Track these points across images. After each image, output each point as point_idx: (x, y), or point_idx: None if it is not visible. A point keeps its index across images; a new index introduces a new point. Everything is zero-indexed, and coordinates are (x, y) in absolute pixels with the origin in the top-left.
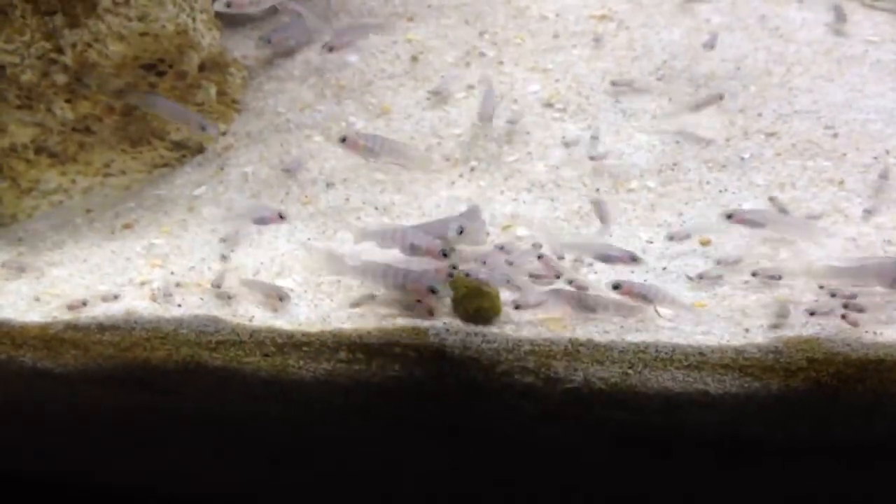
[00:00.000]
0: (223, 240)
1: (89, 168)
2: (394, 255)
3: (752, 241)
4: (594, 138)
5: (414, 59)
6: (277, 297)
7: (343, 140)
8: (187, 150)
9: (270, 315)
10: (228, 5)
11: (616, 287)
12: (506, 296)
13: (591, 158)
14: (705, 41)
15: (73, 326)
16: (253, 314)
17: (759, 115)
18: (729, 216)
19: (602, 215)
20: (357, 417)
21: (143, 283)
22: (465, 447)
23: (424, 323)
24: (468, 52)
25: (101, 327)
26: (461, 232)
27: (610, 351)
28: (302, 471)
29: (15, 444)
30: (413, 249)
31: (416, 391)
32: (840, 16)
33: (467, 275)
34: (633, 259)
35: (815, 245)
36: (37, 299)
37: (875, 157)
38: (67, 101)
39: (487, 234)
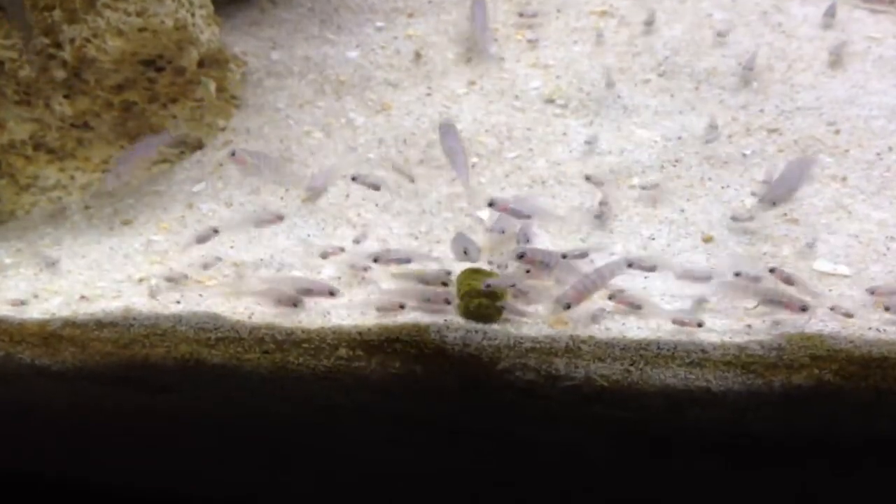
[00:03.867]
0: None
1: (88, 164)
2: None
3: (754, 239)
4: (588, 142)
5: (415, 54)
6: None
7: (232, 154)
8: (186, 147)
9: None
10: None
11: (520, 256)
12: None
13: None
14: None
15: (71, 323)
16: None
17: (761, 111)
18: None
19: None
20: (357, 415)
21: (141, 280)
22: (465, 445)
23: (425, 319)
24: (469, 49)
25: (100, 324)
26: (466, 252)
27: (611, 348)
28: (302, 469)
29: (13, 442)
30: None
31: (417, 388)
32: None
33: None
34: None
35: (818, 242)
36: (35, 296)
37: (878, 154)
38: (66, 96)
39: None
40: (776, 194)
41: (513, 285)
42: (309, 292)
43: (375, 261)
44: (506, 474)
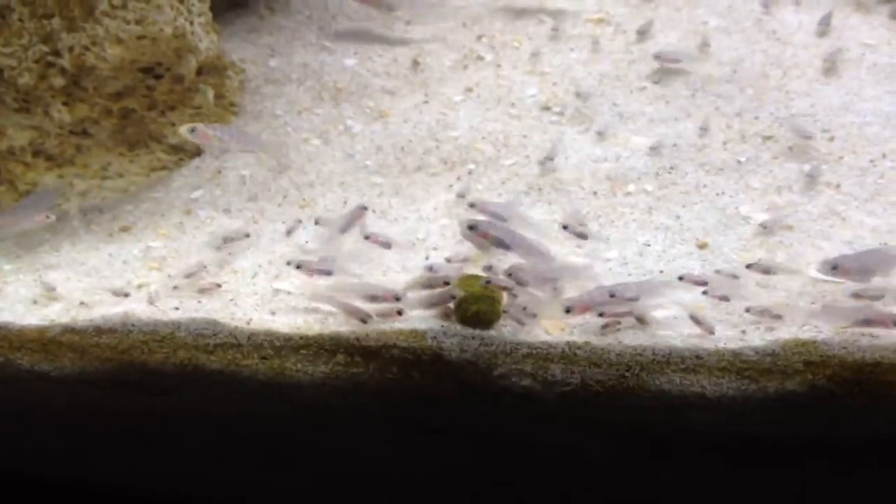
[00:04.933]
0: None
1: (87, 171)
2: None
3: (750, 244)
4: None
5: (412, 62)
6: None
7: (192, 131)
8: (185, 154)
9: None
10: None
11: (472, 228)
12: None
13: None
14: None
15: (70, 330)
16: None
17: (756, 118)
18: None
19: None
20: (355, 420)
21: (140, 287)
22: (463, 450)
23: (422, 326)
24: (466, 56)
25: (99, 330)
26: (431, 269)
27: (607, 354)
28: (299, 473)
29: (13, 446)
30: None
31: (414, 394)
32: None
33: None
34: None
35: (811, 248)
36: (34, 302)
37: (871, 161)
38: (65, 103)
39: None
40: (840, 261)
41: (510, 275)
42: (375, 298)
43: (298, 267)
44: (503, 478)
